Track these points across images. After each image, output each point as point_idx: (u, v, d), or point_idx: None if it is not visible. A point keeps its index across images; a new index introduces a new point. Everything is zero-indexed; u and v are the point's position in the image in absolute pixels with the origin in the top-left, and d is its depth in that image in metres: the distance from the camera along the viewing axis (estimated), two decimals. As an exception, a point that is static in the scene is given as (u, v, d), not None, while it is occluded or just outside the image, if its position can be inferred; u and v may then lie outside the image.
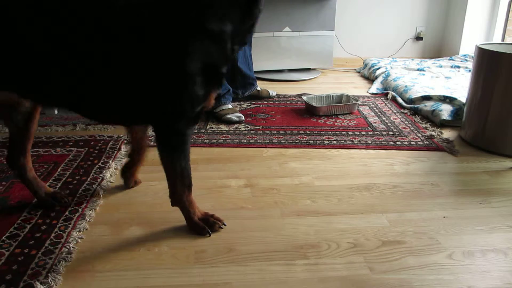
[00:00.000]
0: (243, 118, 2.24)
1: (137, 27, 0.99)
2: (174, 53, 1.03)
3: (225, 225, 1.31)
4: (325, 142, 1.99)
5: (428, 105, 2.35)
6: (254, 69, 2.59)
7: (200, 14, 1.02)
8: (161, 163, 1.23)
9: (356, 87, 2.99)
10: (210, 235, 1.27)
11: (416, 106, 2.42)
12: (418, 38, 3.81)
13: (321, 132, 2.10)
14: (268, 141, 2.00)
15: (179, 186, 1.26)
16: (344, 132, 2.10)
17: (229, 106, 2.29)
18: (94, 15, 0.98)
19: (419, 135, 2.08)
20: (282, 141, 2.00)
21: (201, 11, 1.02)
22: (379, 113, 2.39)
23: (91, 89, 1.07)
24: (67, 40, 0.98)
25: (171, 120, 1.14)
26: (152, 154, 1.84)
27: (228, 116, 2.22)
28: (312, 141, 1.99)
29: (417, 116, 2.34)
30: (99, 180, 1.59)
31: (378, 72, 3.10)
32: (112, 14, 0.98)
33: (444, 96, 2.36)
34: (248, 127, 2.17)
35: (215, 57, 1.08)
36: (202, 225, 1.28)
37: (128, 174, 1.53)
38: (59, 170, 1.66)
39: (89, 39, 0.99)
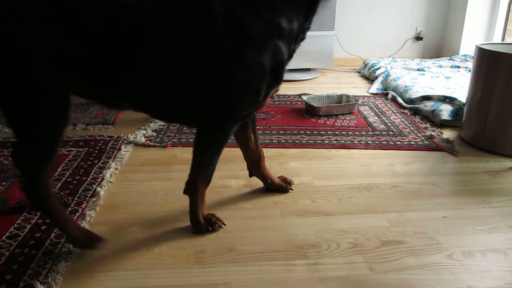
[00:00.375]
0: None
1: (212, 27, 0.98)
2: (252, 52, 1.02)
3: (224, 225, 1.31)
4: (325, 142, 1.99)
5: (428, 105, 2.35)
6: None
7: (277, 13, 1.03)
8: (193, 150, 1.23)
9: (356, 87, 2.99)
10: (210, 232, 1.28)
11: (416, 106, 2.42)
12: (418, 38, 3.81)
13: (321, 132, 2.10)
14: (268, 141, 1.99)
15: (201, 178, 1.26)
16: (344, 132, 2.10)
17: None
18: (171, 15, 0.96)
19: (419, 135, 2.08)
20: (282, 141, 2.00)
21: (278, 10, 1.03)
22: (379, 113, 2.39)
23: (163, 86, 1.05)
24: (143, 39, 0.97)
25: (225, 118, 1.14)
26: (153, 154, 1.84)
27: None
28: (312, 141, 1.99)
29: (417, 116, 2.34)
30: (99, 180, 1.59)
31: (378, 72, 3.10)
32: (188, 16, 0.97)
33: (444, 96, 2.36)
34: (248, 127, 2.17)
35: (283, 56, 1.08)
36: (204, 223, 1.29)
37: (261, 172, 1.50)
38: (59, 170, 1.66)
39: (167, 39, 0.98)
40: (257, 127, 2.15)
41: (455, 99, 2.31)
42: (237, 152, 1.88)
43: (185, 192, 1.29)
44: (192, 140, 1.98)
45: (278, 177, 1.55)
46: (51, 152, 1.07)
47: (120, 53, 0.96)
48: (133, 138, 1.98)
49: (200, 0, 0.97)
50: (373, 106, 2.53)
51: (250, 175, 1.53)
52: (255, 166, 1.49)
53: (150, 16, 0.94)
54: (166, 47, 0.98)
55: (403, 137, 2.05)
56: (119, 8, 0.92)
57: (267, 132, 2.10)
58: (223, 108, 1.10)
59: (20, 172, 1.12)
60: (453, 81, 2.78)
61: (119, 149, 1.87)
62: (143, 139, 1.98)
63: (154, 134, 2.06)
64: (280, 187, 1.52)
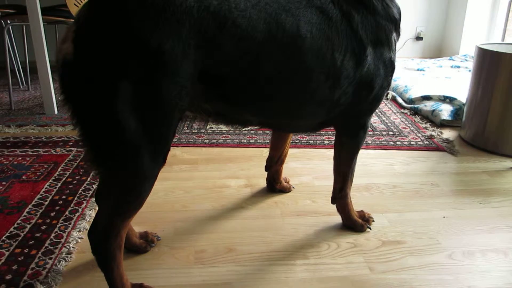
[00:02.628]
0: None
1: (355, 33, 1.05)
2: (387, 51, 1.11)
3: (373, 220, 1.34)
4: (325, 142, 1.99)
5: (428, 105, 2.35)
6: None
7: (397, 13, 1.14)
8: (339, 160, 1.26)
9: (356, 87, 2.99)
10: (370, 230, 1.30)
11: (416, 106, 2.42)
12: (418, 38, 3.81)
13: (321, 132, 2.10)
14: (268, 141, 1.99)
15: (350, 183, 1.28)
16: (344, 132, 2.10)
17: None
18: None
19: (419, 135, 2.08)
20: (282, 141, 1.99)
21: (397, 11, 1.14)
22: (379, 113, 2.39)
23: (316, 97, 1.06)
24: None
25: (366, 117, 1.19)
26: (152, 154, 1.84)
27: None
28: (312, 141, 1.99)
29: (417, 116, 2.34)
30: (99, 180, 1.58)
31: (378, 72, 3.10)
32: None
33: (444, 96, 2.36)
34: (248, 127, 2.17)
35: (395, 55, 1.17)
36: (361, 222, 1.31)
37: (280, 169, 1.52)
38: (59, 170, 1.66)
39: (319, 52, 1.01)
40: (257, 127, 2.15)
41: (455, 99, 2.31)
42: (237, 152, 1.88)
43: (334, 201, 1.31)
44: (191, 140, 1.98)
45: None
46: (146, 193, 0.93)
47: (275, 72, 0.97)
48: (133, 138, 1.97)
49: (338, 10, 1.04)
50: (373, 106, 2.53)
51: (268, 169, 1.51)
52: (280, 162, 1.49)
53: (305, 36, 0.98)
54: (318, 59, 1.01)
55: (403, 137, 2.05)
56: (283, 33, 0.95)
57: (267, 132, 2.10)
58: (366, 107, 1.15)
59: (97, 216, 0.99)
60: (453, 81, 2.78)
61: (119, 149, 1.87)
62: (143, 139, 1.97)
63: (154, 134, 2.06)
64: (286, 188, 1.54)
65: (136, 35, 0.80)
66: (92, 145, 0.87)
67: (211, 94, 0.96)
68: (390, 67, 1.14)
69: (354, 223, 1.31)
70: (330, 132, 2.09)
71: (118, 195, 0.92)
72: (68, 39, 0.81)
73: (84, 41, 0.80)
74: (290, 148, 1.91)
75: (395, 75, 2.90)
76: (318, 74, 1.01)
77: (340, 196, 1.29)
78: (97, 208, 1.39)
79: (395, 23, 1.14)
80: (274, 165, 1.50)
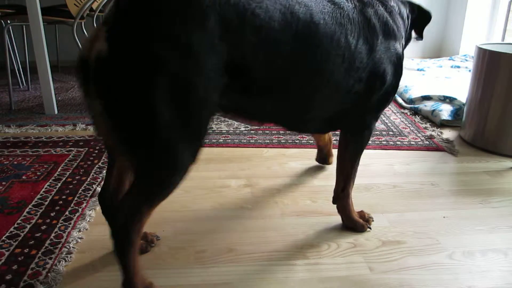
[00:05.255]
0: None
1: (375, 31, 1.13)
2: (398, 45, 1.18)
3: (373, 220, 1.35)
4: (325, 142, 1.99)
5: (428, 105, 2.35)
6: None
7: (407, 14, 1.28)
8: (343, 160, 1.29)
9: (356, 87, 2.99)
10: (370, 229, 1.30)
11: (416, 106, 2.42)
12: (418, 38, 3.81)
13: (321, 132, 2.10)
14: (268, 141, 1.99)
15: (352, 183, 1.30)
16: (344, 132, 2.10)
17: None
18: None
19: (419, 135, 2.08)
20: (282, 141, 2.00)
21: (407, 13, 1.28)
22: (379, 113, 2.39)
23: (335, 93, 1.12)
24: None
25: (370, 113, 1.22)
26: (152, 154, 1.84)
27: None
28: (312, 141, 1.99)
29: (417, 116, 2.34)
30: (99, 180, 1.59)
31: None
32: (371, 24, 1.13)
33: (444, 96, 2.36)
34: (248, 127, 2.17)
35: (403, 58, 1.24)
36: (362, 222, 1.31)
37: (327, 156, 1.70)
38: (59, 170, 1.66)
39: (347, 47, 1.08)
40: (257, 127, 2.16)
41: (455, 99, 2.31)
42: (237, 152, 1.88)
43: (335, 202, 1.33)
44: (192, 140, 1.98)
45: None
46: (175, 185, 0.96)
47: (294, 58, 1.02)
48: (133, 138, 1.97)
49: (362, 13, 1.12)
50: (373, 106, 2.53)
51: (321, 161, 1.72)
52: (328, 150, 1.69)
53: (333, 30, 1.06)
54: (344, 55, 1.07)
55: (403, 137, 2.05)
56: (315, 28, 1.02)
57: (267, 132, 2.10)
58: (374, 104, 1.20)
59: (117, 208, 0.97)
60: (453, 81, 2.78)
61: (119, 149, 1.87)
62: (143, 139, 1.97)
63: (154, 134, 2.06)
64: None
65: (166, 31, 0.84)
66: (125, 137, 0.89)
67: (234, 87, 0.97)
68: (399, 65, 1.19)
69: (354, 223, 1.31)
70: (331, 132, 2.09)
71: (148, 185, 0.95)
72: (100, 38, 0.85)
73: (117, 39, 0.84)
74: (290, 148, 1.91)
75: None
76: (334, 56, 1.05)
77: (342, 196, 1.30)
78: (97, 208, 1.40)
79: (404, 22, 1.23)
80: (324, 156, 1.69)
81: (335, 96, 1.12)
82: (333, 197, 1.33)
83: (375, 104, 1.19)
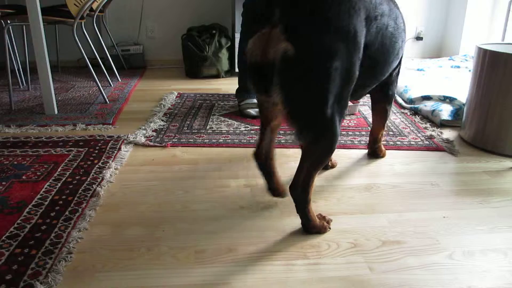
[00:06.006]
0: None
1: (403, 29, 1.45)
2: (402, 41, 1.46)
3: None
4: (325, 142, 1.98)
5: (428, 105, 2.35)
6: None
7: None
8: (379, 122, 1.74)
9: (356, 87, 2.99)
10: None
11: (416, 106, 2.42)
12: (418, 38, 3.81)
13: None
14: (268, 141, 1.99)
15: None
16: (344, 132, 2.10)
17: (254, 100, 2.37)
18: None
19: (419, 135, 2.08)
20: (282, 141, 2.00)
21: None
22: (379, 113, 2.39)
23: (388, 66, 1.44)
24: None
25: (394, 84, 1.68)
26: (153, 154, 1.85)
27: (248, 110, 2.32)
28: (312, 141, 1.99)
29: (417, 116, 2.34)
30: (99, 180, 1.59)
31: (378, 72, 3.10)
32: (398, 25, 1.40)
33: (444, 96, 2.36)
34: (248, 127, 2.17)
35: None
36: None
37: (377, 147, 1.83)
38: (59, 170, 1.66)
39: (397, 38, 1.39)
40: (257, 127, 2.15)
41: (455, 99, 2.31)
42: (237, 152, 1.88)
43: (376, 146, 1.78)
44: (191, 140, 1.98)
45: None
46: (335, 149, 1.23)
47: (390, 37, 1.33)
48: (133, 138, 1.98)
49: (399, 29, 1.40)
50: (373, 106, 2.53)
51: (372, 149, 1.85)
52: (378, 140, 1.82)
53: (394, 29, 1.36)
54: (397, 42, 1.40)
55: (403, 137, 2.05)
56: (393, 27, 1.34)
57: (267, 132, 2.10)
58: (395, 77, 1.63)
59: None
60: (453, 81, 2.78)
61: (119, 149, 1.87)
62: (143, 139, 1.98)
63: (154, 134, 2.06)
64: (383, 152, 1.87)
65: (339, 25, 1.06)
66: (301, 122, 1.13)
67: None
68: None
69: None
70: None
71: (317, 155, 1.21)
72: (280, 40, 1.03)
73: (300, 39, 1.03)
74: (290, 148, 1.91)
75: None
76: (395, 43, 1.37)
77: (378, 145, 1.77)
78: (97, 208, 1.40)
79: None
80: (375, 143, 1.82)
81: (392, 66, 1.45)
82: (369, 148, 1.79)
83: (395, 79, 1.64)
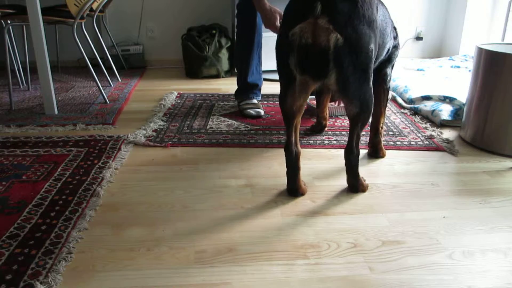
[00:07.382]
0: (262, 112, 2.33)
1: (391, 24, 1.68)
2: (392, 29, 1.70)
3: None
4: (325, 142, 1.99)
5: (428, 105, 2.35)
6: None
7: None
8: (381, 106, 1.81)
9: (356, 87, 2.98)
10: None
11: (416, 106, 2.42)
12: (418, 38, 3.81)
13: (321, 132, 2.10)
14: (268, 141, 2.00)
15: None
16: (344, 132, 2.10)
17: (254, 101, 2.39)
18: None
19: (419, 135, 2.08)
20: (282, 141, 1.99)
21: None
22: (379, 113, 2.39)
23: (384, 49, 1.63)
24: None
25: (389, 66, 1.82)
26: (153, 154, 1.85)
27: (248, 110, 2.33)
28: (312, 141, 1.99)
29: (417, 116, 2.34)
30: (99, 180, 1.59)
31: (378, 72, 3.10)
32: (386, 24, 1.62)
33: (444, 96, 2.36)
34: (248, 127, 2.17)
35: None
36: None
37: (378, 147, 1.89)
38: (59, 170, 1.66)
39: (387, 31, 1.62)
40: (257, 127, 2.16)
41: (455, 99, 2.31)
42: (237, 152, 1.88)
43: (377, 139, 1.84)
44: (191, 140, 1.98)
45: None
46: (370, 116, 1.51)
47: (383, 31, 1.56)
48: (133, 138, 1.98)
49: (387, 17, 1.62)
50: (373, 106, 2.53)
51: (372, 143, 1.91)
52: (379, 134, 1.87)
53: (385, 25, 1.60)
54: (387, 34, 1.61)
55: (403, 137, 2.05)
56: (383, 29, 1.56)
57: (267, 132, 2.10)
58: (391, 59, 1.77)
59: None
60: (453, 81, 2.78)
61: (119, 149, 1.87)
62: (143, 139, 1.98)
63: (154, 134, 2.06)
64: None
65: (370, 18, 1.32)
66: (352, 95, 1.36)
67: None
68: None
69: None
70: (330, 132, 2.09)
71: (363, 119, 1.43)
72: (330, 31, 1.24)
73: (346, 30, 1.26)
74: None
75: (394, 75, 2.91)
76: (387, 23, 1.61)
77: (378, 140, 1.82)
78: (97, 208, 1.40)
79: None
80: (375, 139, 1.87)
81: (386, 50, 1.63)
82: (370, 146, 1.83)
83: (391, 60, 1.76)
